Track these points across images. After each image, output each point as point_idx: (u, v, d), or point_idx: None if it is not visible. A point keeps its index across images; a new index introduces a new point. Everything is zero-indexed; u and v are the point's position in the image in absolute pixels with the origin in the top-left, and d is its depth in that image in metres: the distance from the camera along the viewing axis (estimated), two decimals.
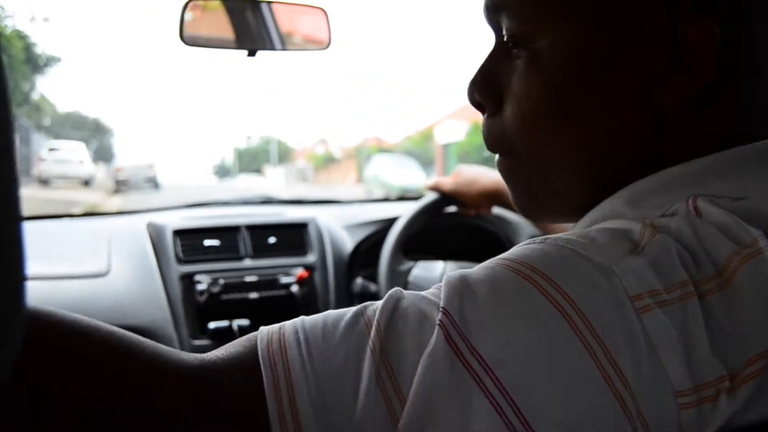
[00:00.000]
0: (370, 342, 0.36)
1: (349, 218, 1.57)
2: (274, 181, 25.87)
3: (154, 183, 16.55)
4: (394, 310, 0.37)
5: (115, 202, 11.82)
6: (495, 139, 0.50)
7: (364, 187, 17.66)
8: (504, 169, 0.51)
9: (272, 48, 1.14)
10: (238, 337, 1.56)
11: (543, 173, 0.48)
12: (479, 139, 16.42)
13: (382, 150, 22.43)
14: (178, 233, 1.39)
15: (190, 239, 1.39)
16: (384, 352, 0.35)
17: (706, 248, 0.37)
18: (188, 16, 1.09)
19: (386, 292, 1.37)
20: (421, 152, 20.56)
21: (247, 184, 22.02)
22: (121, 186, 15.19)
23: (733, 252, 0.36)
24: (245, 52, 1.14)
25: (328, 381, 0.35)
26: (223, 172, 33.48)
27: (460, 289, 0.36)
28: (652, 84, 0.43)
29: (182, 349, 1.29)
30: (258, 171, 29.42)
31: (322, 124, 55.73)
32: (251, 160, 32.40)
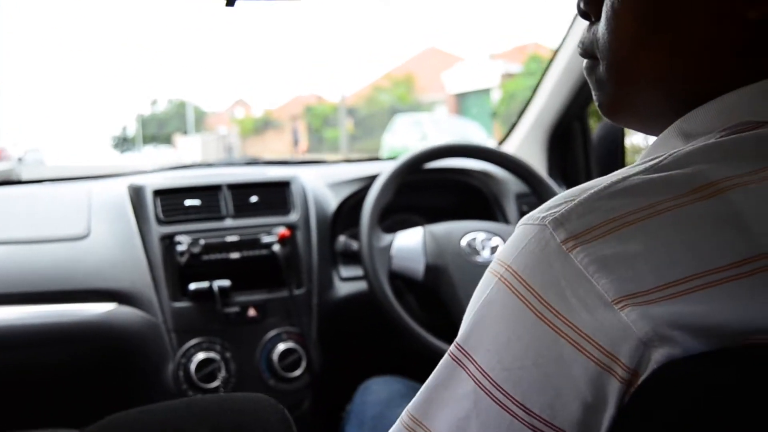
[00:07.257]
0: None
1: (333, 176, 1.55)
2: (188, 151, 21.42)
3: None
4: None
5: None
6: (586, 46, 0.52)
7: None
8: (588, 74, 0.53)
9: None
10: (217, 298, 1.53)
11: (624, 81, 0.49)
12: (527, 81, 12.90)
13: (331, 110, 17.20)
14: (159, 193, 1.37)
15: (170, 199, 1.37)
16: None
17: None
18: None
19: (370, 263, 1.32)
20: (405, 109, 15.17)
21: (154, 158, 19.08)
22: None
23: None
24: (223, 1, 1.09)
25: None
26: (125, 144, 27.96)
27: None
28: None
29: (162, 311, 1.28)
30: (168, 141, 24.81)
31: (240, 81, 45.42)
32: (158, 128, 27.01)
